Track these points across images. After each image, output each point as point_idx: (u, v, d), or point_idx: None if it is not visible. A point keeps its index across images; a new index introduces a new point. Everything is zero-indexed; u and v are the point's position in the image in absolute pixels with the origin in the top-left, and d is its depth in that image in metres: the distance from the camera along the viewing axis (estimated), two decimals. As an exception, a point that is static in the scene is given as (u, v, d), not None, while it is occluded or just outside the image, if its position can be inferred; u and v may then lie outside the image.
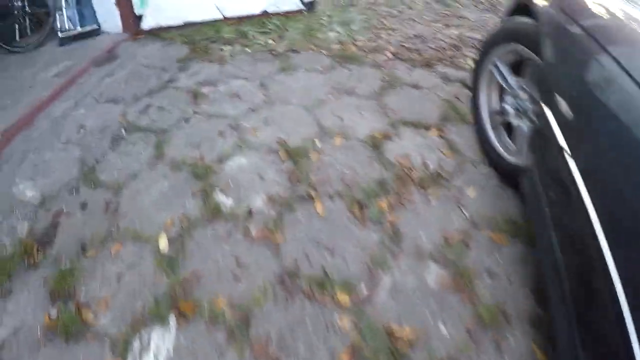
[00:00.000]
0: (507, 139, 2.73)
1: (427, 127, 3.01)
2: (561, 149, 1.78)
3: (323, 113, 3.02)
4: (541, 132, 2.06)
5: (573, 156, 1.71)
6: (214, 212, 2.29)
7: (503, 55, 2.66)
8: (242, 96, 3.14)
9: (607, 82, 1.65)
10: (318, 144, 2.75)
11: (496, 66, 2.70)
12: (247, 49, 3.78)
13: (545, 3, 2.29)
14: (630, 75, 1.59)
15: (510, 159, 2.59)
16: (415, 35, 4.36)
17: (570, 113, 1.77)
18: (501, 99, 2.80)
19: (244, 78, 3.36)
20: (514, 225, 2.34)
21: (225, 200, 2.36)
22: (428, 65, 3.81)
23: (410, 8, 4.99)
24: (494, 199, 2.51)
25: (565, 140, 1.76)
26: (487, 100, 2.87)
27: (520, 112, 2.58)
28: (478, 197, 2.52)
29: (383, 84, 3.45)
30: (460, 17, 5.01)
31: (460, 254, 2.16)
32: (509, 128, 2.74)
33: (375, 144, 2.79)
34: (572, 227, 1.66)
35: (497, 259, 2.14)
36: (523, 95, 2.57)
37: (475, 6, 5.36)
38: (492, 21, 5.02)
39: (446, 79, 3.63)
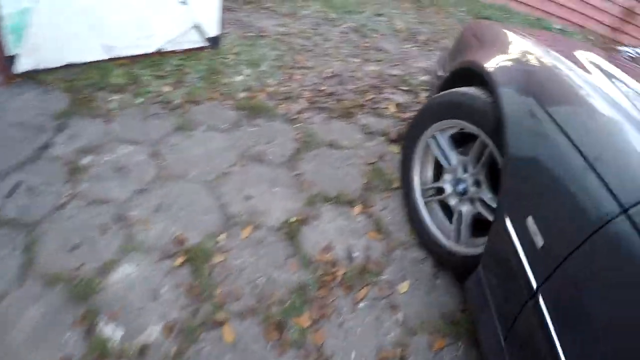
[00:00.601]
0: (445, 221, 2.40)
1: (350, 203, 2.63)
2: (526, 276, 1.47)
3: (228, 191, 2.56)
4: (499, 247, 1.72)
5: (541, 291, 1.40)
6: (102, 350, 1.79)
7: (444, 129, 2.33)
8: (130, 169, 2.62)
9: (587, 204, 1.31)
10: (223, 239, 2.28)
11: (435, 139, 2.37)
12: (139, 98, 3.23)
13: (508, 76, 1.93)
14: (617, 199, 1.26)
15: (447, 243, 2.28)
16: (332, 75, 3.98)
17: (543, 242, 1.43)
18: (438, 174, 2.48)
19: (133, 142, 2.82)
20: (453, 322, 2.11)
21: (113, 332, 1.86)
22: (348, 114, 3.45)
23: (327, 40, 4.60)
24: (429, 292, 2.24)
25: (532, 269, 1.45)
26: (421, 174, 2.54)
27: (462, 195, 2.24)
28: (411, 292, 2.22)
29: (297, 144, 3.04)
30: (380, 49, 4.71)
31: (397, 370, 1.82)
32: (446, 207, 2.41)
33: (292, 233, 2.37)
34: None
35: (437, 367, 1.84)
36: (467, 177, 2.23)
37: (395, 36, 5.05)
38: (413, 53, 4.76)
39: (368, 132, 3.29)
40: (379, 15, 5.64)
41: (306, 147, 3.03)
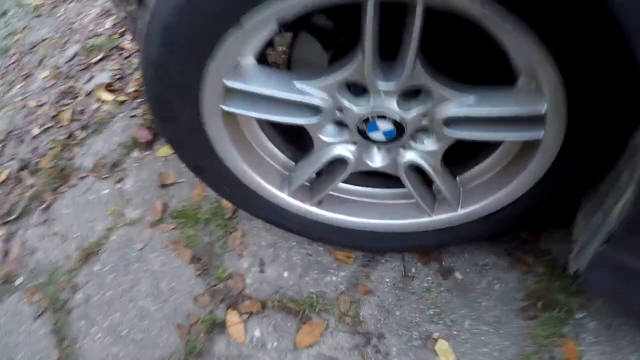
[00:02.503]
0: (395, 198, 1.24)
1: (215, 327, 1.38)
2: None
3: None
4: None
5: None
6: None
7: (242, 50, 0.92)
8: None
9: None
10: None
11: (232, 101, 1.00)
12: None
13: None
14: None
15: (431, 219, 1.19)
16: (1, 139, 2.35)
17: None
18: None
19: None
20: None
21: None
22: (61, 174, 1.96)
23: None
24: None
25: None
26: (267, 175, 1.22)
27: (391, 140, 1.00)
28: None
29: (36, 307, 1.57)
30: (34, 45, 3.05)
31: None
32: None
33: None
34: None
35: None
36: (372, 103, 0.95)
37: (40, 15, 3.37)
38: (74, 14, 3.17)
39: (110, 167, 1.90)
40: (4, 14, 3.87)
41: (56, 307, 1.55)
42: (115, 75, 2.33)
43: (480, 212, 1.10)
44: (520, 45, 0.76)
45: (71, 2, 3.47)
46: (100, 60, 2.51)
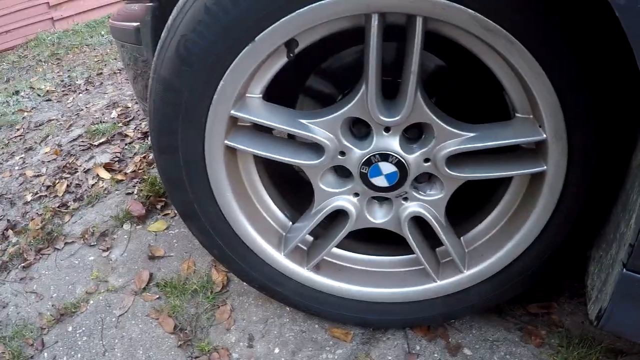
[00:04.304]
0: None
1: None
2: None
3: None
4: None
5: None
6: None
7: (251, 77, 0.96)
8: None
9: None
10: None
11: (239, 139, 1.05)
12: None
13: None
14: None
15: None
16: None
17: None
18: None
19: None
20: None
21: None
22: (48, 238, 1.92)
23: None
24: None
25: None
26: (265, 233, 1.19)
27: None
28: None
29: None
30: (40, 124, 3.13)
31: None
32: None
33: None
34: None
35: None
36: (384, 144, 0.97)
37: (50, 100, 3.53)
38: (83, 101, 3.35)
39: (102, 248, 1.81)
40: (16, 93, 4.03)
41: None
42: (115, 157, 2.38)
43: (488, 270, 1.08)
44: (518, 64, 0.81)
45: (81, 92, 3.66)
46: (102, 143, 2.56)
